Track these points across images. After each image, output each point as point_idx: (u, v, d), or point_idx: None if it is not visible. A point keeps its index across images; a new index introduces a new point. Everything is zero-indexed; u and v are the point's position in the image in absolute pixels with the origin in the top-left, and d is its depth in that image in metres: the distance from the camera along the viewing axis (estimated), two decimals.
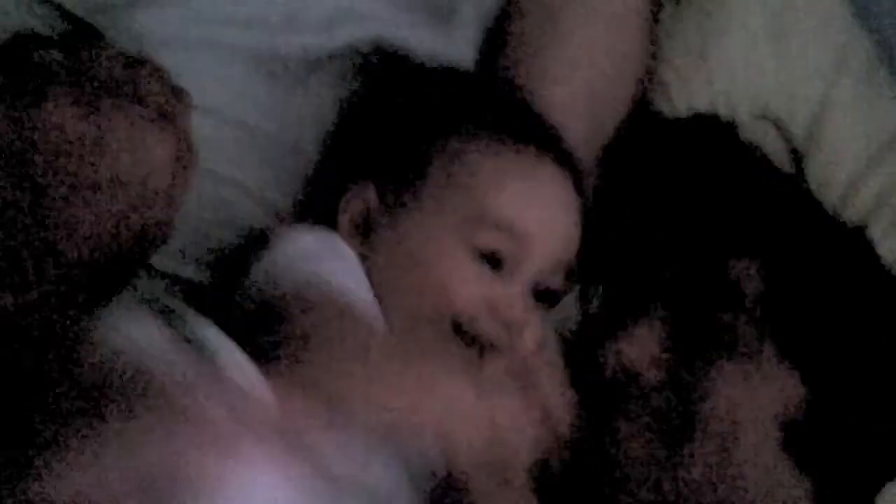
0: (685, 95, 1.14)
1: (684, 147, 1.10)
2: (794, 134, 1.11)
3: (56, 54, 0.88)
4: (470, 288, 0.92)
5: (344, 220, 0.95)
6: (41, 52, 0.88)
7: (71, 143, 0.83)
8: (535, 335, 0.95)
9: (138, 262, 0.90)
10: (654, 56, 1.15)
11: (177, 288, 0.99)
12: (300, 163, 1.02)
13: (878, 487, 1.01)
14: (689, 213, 1.06)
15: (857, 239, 1.07)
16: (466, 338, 0.92)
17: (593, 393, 1.00)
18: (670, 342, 1.01)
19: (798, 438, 0.97)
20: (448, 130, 0.96)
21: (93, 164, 0.83)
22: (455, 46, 1.08)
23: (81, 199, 0.84)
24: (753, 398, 0.97)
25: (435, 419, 0.78)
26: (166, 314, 0.76)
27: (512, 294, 0.93)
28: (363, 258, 0.94)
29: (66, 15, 0.95)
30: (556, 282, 0.97)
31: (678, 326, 1.01)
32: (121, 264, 0.87)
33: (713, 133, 1.11)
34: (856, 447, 0.99)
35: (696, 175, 1.08)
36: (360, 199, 0.95)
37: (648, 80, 1.15)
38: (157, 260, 0.95)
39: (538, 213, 0.95)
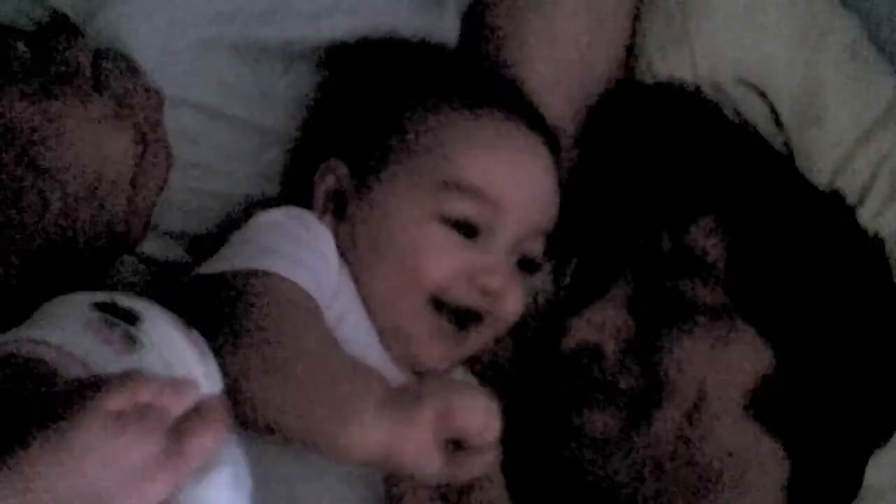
0: (667, 69, 1.13)
1: (650, 115, 1.09)
2: (783, 107, 1.10)
3: (21, 46, 0.88)
4: (444, 257, 0.91)
5: (318, 197, 0.95)
6: (7, 42, 0.89)
7: (21, 131, 0.84)
8: (517, 302, 0.94)
9: (110, 254, 0.90)
10: (635, 29, 1.15)
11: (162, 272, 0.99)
12: (286, 153, 1.02)
13: (861, 454, 1.01)
14: (652, 180, 1.05)
15: (833, 202, 1.06)
16: (447, 311, 0.92)
17: (557, 371, 1.00)
18: (631, 314, 0.99)
19: (769, 404, 0.96)
20: (418, 102, 0.96)
21: (44, 153, 0.84)
22: (444, 34, 1.08)
23: (32, 186, 0.84)
24: (717, 365, 0.96)
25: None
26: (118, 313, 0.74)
27: (490, 261, 0.92)
28: (338, 235, 0.93)
29: (46, 8, 0.95)
30: (537, 249, 0.97)
31: (639, 297, 1.00)
32: (91, 256, 0.88)
33: (679, 99, 1.10)
34: (832, 413, 0.98)
35: (661, 141, 1.07)
36: (332, 175, 0.95)
37: (631, 53, 1.15)
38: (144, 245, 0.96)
39: (510, 177, 0.94)
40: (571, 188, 1.02)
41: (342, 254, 0.93)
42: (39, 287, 0.80)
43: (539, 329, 1.03)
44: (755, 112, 1.10)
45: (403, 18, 1.04)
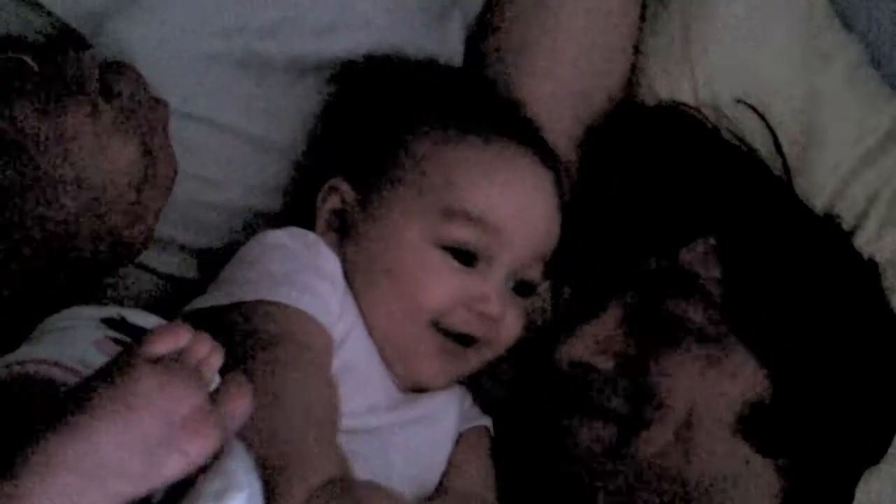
0: (669, 89, 1.14)
1: (649, 136, 1.10)
2: (783, 128, 1.11)
3: (29, 59, 0.89)
4: (443, 284, 0.92)
5: (320, 217, 0.96)
6: (15, 55, 0.90)
7: (30, 143, 0.85)
8: (513, 327, 0.96)
9: (113, 264, 0.91)
10: (637, 50, 1.16)
11: (167, 285, 1.00)
12: (290, 167, 1.02)
13: (853, 473, 1.02)
14: (649, 201, 1.06)
15: (829, 226, 1.07)
16: (447, 332, 0.93)
17: (550, 387, 1.00)
18: (626, 333, 1.00)
19: (761, 425, 0.96)
20: (422, 125, 0.96)
21: (51, 164, 0.85)
22: (449, 49, 1.08)
23: (40, 197, 0.85)
24: (708, 386, 0.96)
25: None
26: (126, 330, 0.75)
27: (487, 288, 0.93)
28: (341, 256, 0.94)
29: (54, 22, 0.96)
30: (534, 274, 0.97)
31: (633, 317, 1.00)
32: (94, 265, 0.89)
33: (679, 121, 1.11)
34: (826, 434, 0.98)
35: (659, 163, 1.07)
36: (336, 195, 0.96)
37: (633, 74, 1.16)
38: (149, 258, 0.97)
39: (511, 206, 0.94)
40: (570, 206, 1.03)
41: (345, 273, 0.94)
42: (41, 297, 0.81)
43: (537, 347, 1.03)
44: (754, 135, 1.11)
45: (408, 35, 1.05)
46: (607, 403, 0.98)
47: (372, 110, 0.99)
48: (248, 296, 0.87)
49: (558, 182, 1.00)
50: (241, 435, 0.69)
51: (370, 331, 0.93)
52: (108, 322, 0.73)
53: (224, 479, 0.65)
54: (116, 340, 0.73)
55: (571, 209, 1.02)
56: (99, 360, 0.69)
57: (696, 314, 0.99)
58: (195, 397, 0.64)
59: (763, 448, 0.96)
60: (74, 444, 0.60)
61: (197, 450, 0.64)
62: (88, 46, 0.94)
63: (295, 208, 1.00)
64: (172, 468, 0.63)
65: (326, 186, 0.96)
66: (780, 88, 1.13)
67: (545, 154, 0.99)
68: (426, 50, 1.05)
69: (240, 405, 0.66)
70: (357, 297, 0.94)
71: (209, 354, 0.66)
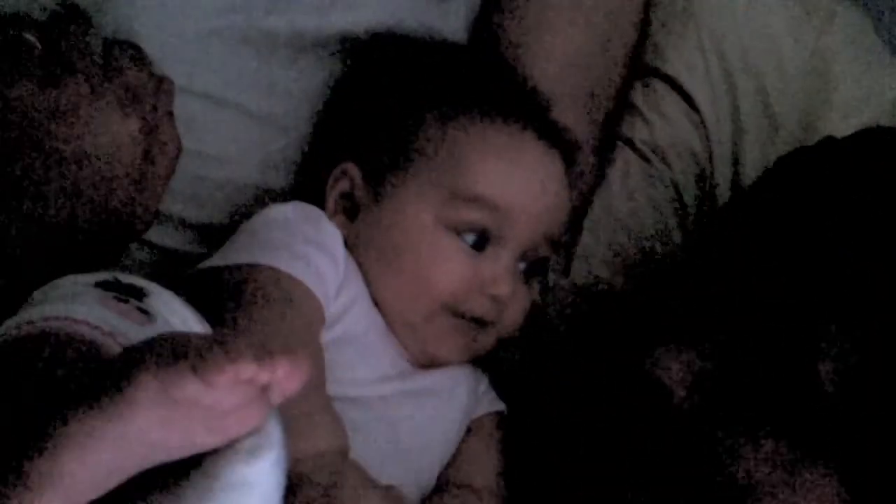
0: (678, 55, 1.13)
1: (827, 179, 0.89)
2: (792, 85, 1.09)
3: (31, 35, 0.90)
4: (456, 270, 0.93)
5: (330, 200, 0.96)
6: (18, 32, 0.90)
7: (32, 120, 0.86)
8: (521, 308, 0.96)
9: (117, 241, 0.92)
10: (646, 18, 1.15)
11: (167, 260, 1.01)
12: (293, 143, 1.03)
13: None
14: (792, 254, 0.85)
15: None
16: (458, 314, 0.94)
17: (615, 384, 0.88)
18: (718, 380, 0.84)
19: None
20: (431, 108, 0.96)
21: (53, 142, 0.86)
22: (450, 27, 1.08)
23: (39, 173, 0.86)
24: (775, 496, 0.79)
25: None
26: (123, 290, 0.74)
27: (499, 271, 0.94)
28: (349, 236, 0.95)
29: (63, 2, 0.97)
30: (544, 253, 0.98)
31: (724, 366, 0.84)
32: (97, 243, 0.89)
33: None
34: None
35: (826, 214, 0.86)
36: (345, 179, 0.96)
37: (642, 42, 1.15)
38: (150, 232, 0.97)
39: (521, 188, 0.95)
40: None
41: (353, 254, 0.95)
42: (43, 274, 0.82)
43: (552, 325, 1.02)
44: (767, 98, 1.09)
45: (410, 11, 1.05)
46: (665, 444, 0.84)
47: (380, 92, 0.99)
48: (244, 259, 0.88)
49: (569, 160, 1.00)
50: None
51: (379, 307, 0.94)
52: (103, 285, 0.73)
53: (259, 436, 0.65)
54: (118, 299, 0.73)
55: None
56: (111, 318, 0.69)
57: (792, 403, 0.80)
58: (243, 396, 0.63)
59: None
60: (116, 424, 0.60)
61: (238, 430, 0.64)
62: (92, 23, 0.95)
63: (302, 186, 1.01)
64: (211, 444, 0.63)
65: (337, 170, 0.97)
66: (786, 46, 1.12)
67: (554, 133, 0.99)
68: (427, 26, 1.05)
69: (292, 383, 0.64)
70: (365, 275, 0.94)
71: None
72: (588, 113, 1.10)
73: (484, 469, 0.95)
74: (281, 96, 1.02)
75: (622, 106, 1.14)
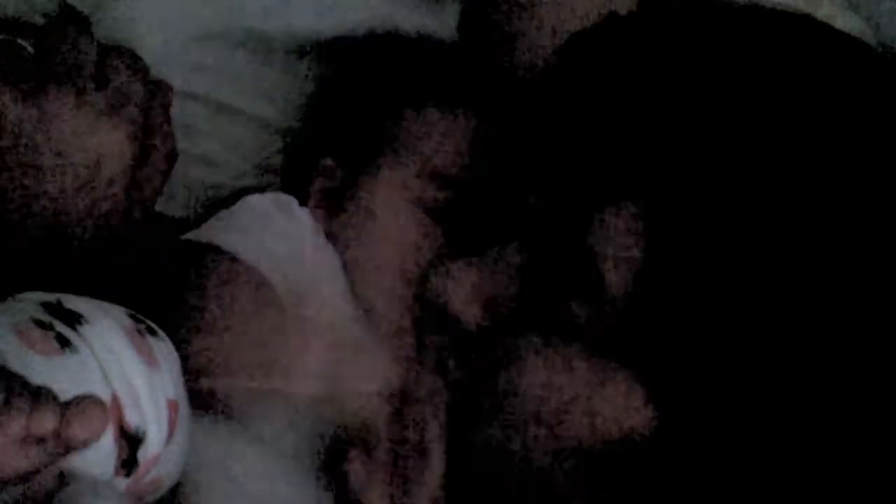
0: None
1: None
2: None
3: (22, 41, 0.89)
4: (429, 245, 0.92)
5: (312, 197, 0.97)
6: (11, 37, 0.90)
7: (15, 128, 0.86)
8: None
9: (108, 247, 0.92)
10: None
11: None
12: (290, 146, 1.03)
13: None
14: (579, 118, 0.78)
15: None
16: None
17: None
18: (507, 298, 0.79)
19: (629, 471, 0.73)
20: (408, 104, 0.97)
21: (37, 150, 0.86)
22: (445, 27, 1.08)
23: (30, 182, 0.86)
24: (565, 406, 0.74)
25: None
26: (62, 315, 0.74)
27: None
28: (331, 231, 0.95)
29: (56, 2, 0.97)
30: None
31: (528, 269, 0.78)
32: (86, 249, 0.89)
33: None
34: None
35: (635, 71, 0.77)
36: (326, 176, 0.97)
37: None
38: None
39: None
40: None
41: (337, 248, 0.95)
42: (30, 281, 0.82)
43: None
44: None
45: (404, 13, 1.05)
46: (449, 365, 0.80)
47: (360, 88, 1.00)
48: (204, 238, 0.91)
49: None
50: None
51: (363, 306, 0.93)
52: (46, 306, 0.73)
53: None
54: (40, 325, 0.72)
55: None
56: (13, 344, 0.70)
57: (582, 310, 0.74)
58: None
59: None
60: None
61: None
62: (89, 26, 0.95)
63: (291, 187, 1.01)
64: None
65: (318, 168, 0.97)
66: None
67: None
68: (421, 27, 1.05)
69: (82, 431, 0.67)
70: (348, 273, 0.94)
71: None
72: None
73: None
74: (278, 100, 1.02)
75: None
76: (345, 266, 0.94)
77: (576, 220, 0.74)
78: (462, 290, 0.79)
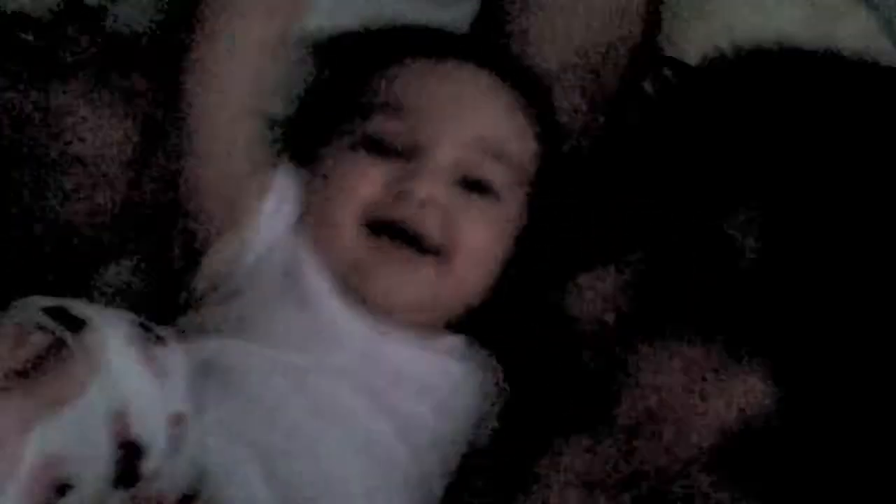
0: (690, 46, 1.12)
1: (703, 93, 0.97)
2: None
3: (30, 36, 0.90)
4: (368, 176, 0.89)
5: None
6: (19, 33, 0.91)
7: (22, 122, 0.87)
8: (472, 231, 0.90)
9: (117, 239, 0.94)
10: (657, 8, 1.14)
11: None
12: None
13: None
14: (686, 150, 0.91)
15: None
16: (389, 232, 0.89)
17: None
18: (629, 303, 0.86)
19: (751, 457, 0.79)
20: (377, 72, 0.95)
21: (44, 143, 0.88)
22: (457, 27, 1.08)
23: (30, 175, 0.88)
24: (687, 402, 0.81)
25: None
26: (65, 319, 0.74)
27: (417, 170, 0.89)
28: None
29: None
30: (488, 170, 0.91)
31: (643, 285, 0.86)
32: (91, 245, 0.91)
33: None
34: (832, 481, 0.78)
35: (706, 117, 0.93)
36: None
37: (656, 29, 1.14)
38: None
39: (433, 93, 0.91)
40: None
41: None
42: (36, 276, 0.83)
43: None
44: None
45: (416, 12, 1.05)
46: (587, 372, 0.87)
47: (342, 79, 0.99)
48: None
49: (532, 101, 0.96)
50: None
51: (320, 260, 0.90)
52: (49, 311, 0.73)
53: None
54: (41, 328, 0.72)
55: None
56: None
57: (707, 299, 0.82)
58: None
59: (744, 485, 0.79)
60: None
61: None
62: (97, 23, 0.95)
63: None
64: None
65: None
66: (798, 42, 1.07)
67: (510, 75, 0.96)
68: (438, 25, 1.05)
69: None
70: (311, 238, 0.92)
71: None
72: (591, 103, 1.09)
73: None
74: (287, 98, 1.02)
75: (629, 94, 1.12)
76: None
77: (710, 214, 0.83)
78: (590, 296, 0.87)
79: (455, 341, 0.93)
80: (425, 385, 0.90)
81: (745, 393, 0.80)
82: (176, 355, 0.77)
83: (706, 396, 0.80)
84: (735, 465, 0.79)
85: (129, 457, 0.72)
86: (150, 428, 0.73)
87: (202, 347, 0.84)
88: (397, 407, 0.87)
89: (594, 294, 0.87)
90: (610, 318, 0.86)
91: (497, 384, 0.93)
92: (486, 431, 0.92)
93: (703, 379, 0.81)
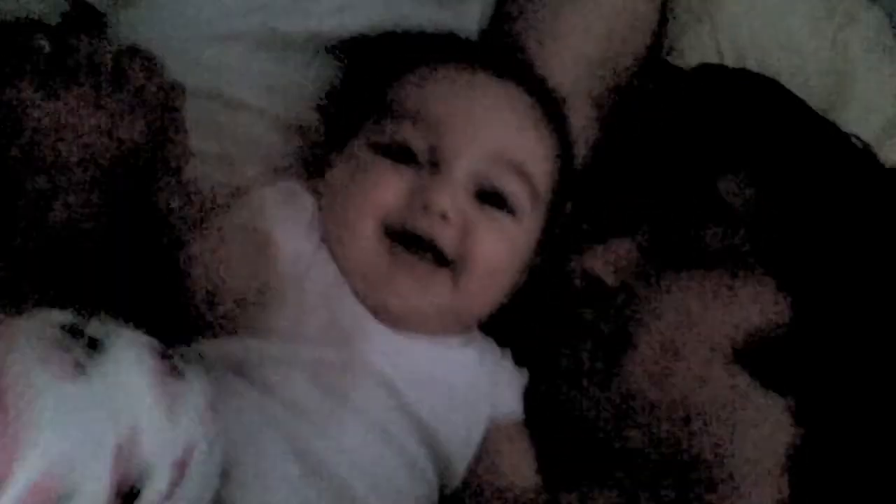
0: (695, 53, 1.13)
1: (689, 91, 1.05)
2: (811, 91, 1.08)
3: (41, 40, 0.90)
4: (390, 182, 0.89)
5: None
6: (29, 37, 0.91)
7: (30, 125, 0.87)
8: (486, 242, 0.90)
9: (126, 243, 0.92)
10: (664, 14, 1.14)
11: None
12: (307, 143, 1.03)
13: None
14: (683, 139, 1.00)
15: (866, 157, 1.00)
16: (407, 242, 0.88)
17: (558, 307, 0.97)
18: (639, 256, 0.96)
19: (768, 355, 0.90)
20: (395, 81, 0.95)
21: (52, 147, 0.87)
22: (467, 27, 1.08)
23: (38, 179, 0.87)
24: (704, 308, 0.92)
25: None
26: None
27: (435, 183, 0.88)
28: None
29: (76, 3, 0.97)
30: (508, 185, 0.91)
31: (651, 243, 0.97)
32: (100, 248, 0.90)
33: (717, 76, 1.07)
34: (853, 381, 0.90)
35: (694, 105, 1.02)
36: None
37: (660, 38, 1.15)
38: None
39: (451, 102, 0.91)
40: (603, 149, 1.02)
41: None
42: (44, 279, 0.83)
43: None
44: None
45: (426, 11, 1.05)
46: (600, 324, 0.95)
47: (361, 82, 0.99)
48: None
49: (549, 113, 0.96)
50: None
51: (341, 272, 0.90)
52: (67, 328, 0.70)
53: None
54: (64, 345, 0.70)
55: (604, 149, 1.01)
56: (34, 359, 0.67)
57: (714, 239, 0.94)
58: None
59: (767, 381, 0.90)
60: None
61: None
62: (106, 26, 0.95)
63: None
64: None
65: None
66: (806, 50, 1.12)
67: (513, 76, 0.95)
68: (443, 26, 1.05)
69: None
70: (329, 246, 0.91)
71: None
72: (597, 115, 1.09)
73: (523, 469, 0.92)
74: (298, 98, 1.02)
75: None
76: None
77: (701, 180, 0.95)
78: (612, 261, 0.96)
79: (471, 339, 0.94)
80: (442, 381, 0.90)
81: (757, 297, 0.92)
82: (196, 382, 0.74)
83: (723, 303, 0.91)
84: (755, 363, 0.90)
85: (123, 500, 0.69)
86: (150, 464, 0.70)
87: (222, 347, 0.86)
88: (415, 403, 0.88)
89: (607, 256, 0.96)
90: (625, 270, 0.96)
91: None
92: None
93: (716, 295, 0.92)
